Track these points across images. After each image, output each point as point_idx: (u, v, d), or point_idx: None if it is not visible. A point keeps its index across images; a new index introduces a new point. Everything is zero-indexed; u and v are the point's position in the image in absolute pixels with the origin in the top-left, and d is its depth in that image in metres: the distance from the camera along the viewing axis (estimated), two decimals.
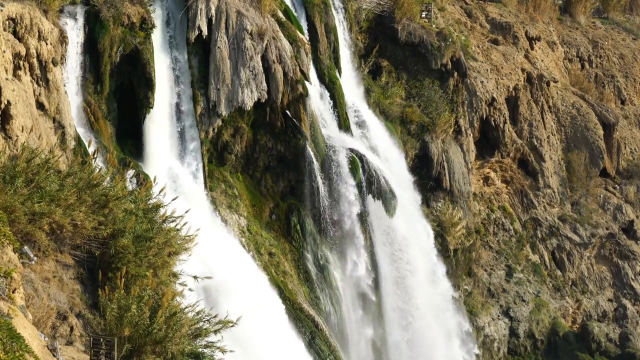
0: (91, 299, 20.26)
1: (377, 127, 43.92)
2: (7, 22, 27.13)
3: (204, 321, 19.90)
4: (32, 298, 18.37)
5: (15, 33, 27.53)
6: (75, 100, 31.83)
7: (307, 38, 40.72)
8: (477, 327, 47.46)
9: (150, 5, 34.82)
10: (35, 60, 28.29)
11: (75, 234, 20.35)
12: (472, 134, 49.71)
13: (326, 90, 41.57)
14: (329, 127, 40.69)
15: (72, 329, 18.92)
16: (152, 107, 33.96)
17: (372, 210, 40.35)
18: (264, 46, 36.97)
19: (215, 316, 20.11)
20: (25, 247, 18.80)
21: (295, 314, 36.15)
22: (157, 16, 35.26)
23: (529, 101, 54.03)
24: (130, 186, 28.80)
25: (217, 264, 30.83)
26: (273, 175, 38.83)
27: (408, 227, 42.44)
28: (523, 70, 53.99)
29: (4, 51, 26.16)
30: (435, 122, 46.14)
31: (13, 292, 16.00)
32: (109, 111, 33.54)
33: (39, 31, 28.24)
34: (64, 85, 30.30)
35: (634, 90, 63.74)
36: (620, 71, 63.72)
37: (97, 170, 22.21)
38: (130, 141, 34.34)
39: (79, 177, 21.03)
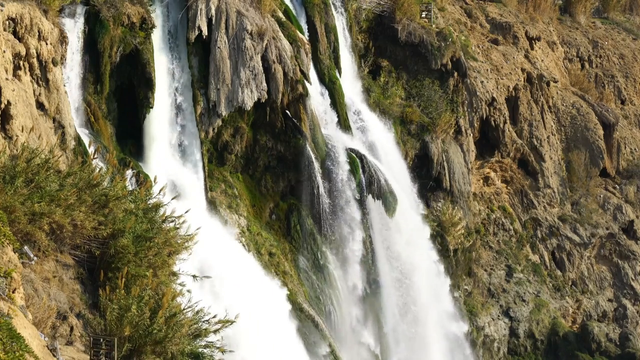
0: (91, 299, 20.27)
1: (377, 127, 43.91)
2: (7, 22, 27.14)
3: (204, 321, 19.91)
4: (32, 298, 18.38)
5: (15, 33, 27.54)
6: (75, 100, 31.84)
7: (307, 38, 40.72)
8: (477, 327, 47.46)
9: (150, 5, 34.81)
10: (35, 60, 28.29)
11: (75, 234, 20.36)
12: (472, 134, 49.71)
13: (326, 90, 41.56)
14: (329, 127, 40.69)
15: (72, 329, 18.93)
16: (152, 107, 33.97)
17: (372, 210, 40.35)
18: (264, 46, 36.97)
19: (214, 316, 20.13)
20: (25, 247, 18.80)
21: (296, 314, 36.15)
22: (157, 16, 35.26)
23: (529, 101, 54.03)
24: (130, 186, 28.81)
25: (217, 263, 30.84)
26: (273, 175, 38.83)
27: (408, 227, 42.44)
28: (523, 70, 53.99)
29: (4, 51, 26.17)
30: (435, 122, 46.12)
31: (13, 292, 16.01)
32: (109, 111, 33.54)
33: (39, 31, 28.24)
34: (64, 85, 30.31)
35: (634, 90, 63.74)
36: (620, 71, 63.71)
37: (97, 170, 22.23)
38: (130, 141, 34.34)
39: (79, 177, 21.04)
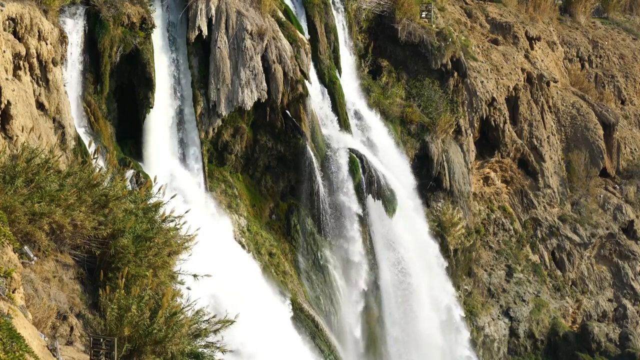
0: (91, 299, 20.27)
1: (377, 127, 43.92)
2: (7, 22, 27.13)
3: (204, 321, 19.91)
4: (32, 298, 18.38)
5: (15, 33, 27.53)
6: (75, 100, 31.84)
7: (307, 38, 40.72)
8: (477, 327, 47.46)
9: (150, 5, 34.81)
10: (35, 60, 28.27)
11: (75, 234, 20.36)
12: (472, 134, 49.72)
13: (326, 90, 41.57)
14: (329, 127, 40.69)
15: (72, 329, 18.94)
16: (152, 107, 33.97)
17: (372, 210, 40.34)
18: (264, 46, 36.97)
19: (214, 316, 20.13)
20: (25, 247, 18.81)
21: (295, 314, 36.16)
22: (157, 16, 35.26)
23: (529, 101, 54.03)
24: (130, 186, 28.82)
25: (217, 263, 30.81)
26: (273, 175, 38.84)
27: (408, 227, 42.43)
28: (523, 70, 53.99)
29: (4, 51, 26.17)
30: (435, 122, 46.13)
31: (13, 292, 16.01)
32: (109, 111, 33.54)
33: (39, 31, 28.23)
34: (64, 85, 30.30)
35: (634, 90, 63.74)
36: (620, 71, 63.72)
37: (97, 170, 22.23)
38: (130, 141, 34.35)
39: (79, 177, 21.04)
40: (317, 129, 39.09)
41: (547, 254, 52.86)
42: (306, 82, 38.49)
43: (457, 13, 55.99)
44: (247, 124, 37.74)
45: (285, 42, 37.94)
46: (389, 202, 40.72)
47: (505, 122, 51.68)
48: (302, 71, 38.24)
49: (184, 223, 22.40)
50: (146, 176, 31.98)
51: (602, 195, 56.14)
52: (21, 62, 27.58)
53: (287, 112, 38.11)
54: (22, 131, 25.63)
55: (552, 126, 55.39)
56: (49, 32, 28.71)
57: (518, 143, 52.47)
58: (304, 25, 41.46)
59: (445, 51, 46.91)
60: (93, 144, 27.65)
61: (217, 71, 36.03)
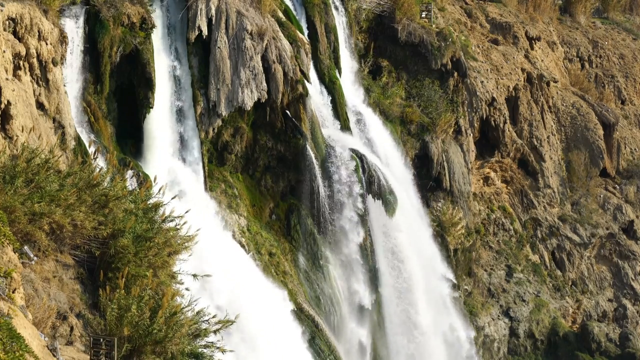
0: (91, 299, 20.28)
1: (377, 127, 43.91)
2: (7, 22, 27.13)
3: (204, 321, 19.92)
4: (32, 298, 18.39)
5: (15, 33, 27.53)
6: (75, 100, 31.84)
7: (307, 38, 40.72)
8: (477, 327, 47.46)
9: (150, 5, 34.82)
10: (35, 60, 28.27)
11: (75, 234, 20.37)
12: (472, 134, 49.72)
13: (326, 90, 41.57)
14: (329, 127, 40.69)
15: (72, 329, 18.94)
16: (152, 107, 33.96)
17: (372, 210, 40.34)
18: (264, 46, 36.97)
19: (214, 316, 20.13)
20: (25, 247, 18.81)
21: (296, 314, 36.16)
22: (157, 16, 35.26)
23: (529, 101, 54.03)
24: (130, 186, 28.81)
25: (217, 263, 30.84)
26: (273, 175, 38.84)
27: (408, 226, 42.43)
28: (523, 70, 53.99)
29: (4, 51, 26.17)
30: (435, 122, 46.13)
31: (13, 292, 16.01)
32: (109, 111, 33.54)
33: (39, 31, 28.23)
34: (64, 85, 30.30)
35: (634, 90, 63.75)
36: (620, 71, 63.73)
37: (97, 170, 22.24)
38: (130, 141, 34.34)
39: (79, 177, 21.05)
40: (317, 129, 39.09)
41: (547, 254, 52.86)
42: (306, 82, 38.49)
43: (457, 13, 56.00)
44: (247, 124, 37.74)
45: (285, 42, 37.94)
46: (389, 202, 40.72)
47: (505, 122, 51.68)
48: (302, 71, 38.24)
49: (184, 223, 22.40)
50: (146, 176, 31.98)
51: (602, 195, 56.14)
52: (21, 62, 27.59)
53: (287, 112, 38.11)
54: (22, 131, 25.63)
55: (552, 126, 55.40)
56: (49, 32, 28.70)
57: (518, 143, 52.47)
58: (304, 25, 41.47)
59: (445, 51, 46.92)
60: (93, 144, 27.65)
61: (217, 71, 36.04)
